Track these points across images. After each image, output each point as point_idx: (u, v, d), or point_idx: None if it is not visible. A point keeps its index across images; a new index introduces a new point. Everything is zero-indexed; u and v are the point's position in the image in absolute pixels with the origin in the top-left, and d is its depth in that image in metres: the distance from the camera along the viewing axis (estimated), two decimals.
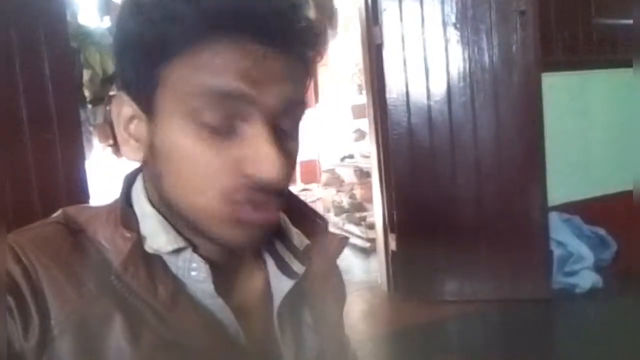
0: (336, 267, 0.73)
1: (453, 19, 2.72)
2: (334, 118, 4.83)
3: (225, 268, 0.59)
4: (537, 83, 2.74)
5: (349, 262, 4.02)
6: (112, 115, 0.56)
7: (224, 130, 0.50)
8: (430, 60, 2.81)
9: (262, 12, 0.49)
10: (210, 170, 0.50)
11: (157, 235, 0.55)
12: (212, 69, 0.49)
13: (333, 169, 4.83)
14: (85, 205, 0.61)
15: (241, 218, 0.52)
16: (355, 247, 4.10)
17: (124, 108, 0.55)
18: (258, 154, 0.50)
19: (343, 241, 0.68)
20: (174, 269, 0.55)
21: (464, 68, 2.76)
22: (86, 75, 4.07)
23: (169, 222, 0.56)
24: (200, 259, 0.55)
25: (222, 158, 0.50)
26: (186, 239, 0.55)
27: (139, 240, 0.54)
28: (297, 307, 0.63)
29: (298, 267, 0.61)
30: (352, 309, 3.07)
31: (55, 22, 2.08)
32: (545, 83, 2.78)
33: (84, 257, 0.53)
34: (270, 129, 0.51)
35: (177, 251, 0.55)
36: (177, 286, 0.55)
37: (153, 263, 0.54)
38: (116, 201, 0.59)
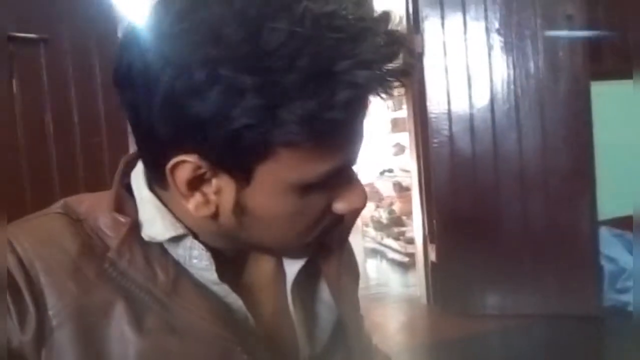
0: (348, 243, 0.71)
1: (497, 25, 2.68)
2: (373, 132, 4.81)
3: (231, 252, 0.57)
4: (585, 91, 2.66)
5: (387, 276, 3.95)
6: (167, 172, 0.49)
7: (321, 187, 0.50)
8: (472, 68, 2.76)
9: (386, 82, 0.46)
10: (308, 220, 0.52)
11: (154, 222, 0.53)
12: (329, 150, 0.47)
13: (372, 183, 4.80)
14: (87, 194, 0.59)
15: (314, 244, 0.56)
16: (393, 261, 4.03)
17: (191, 170, 0.48)
18: (348, 192, 0.52)
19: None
20: (174, 256, 0.53)
21: (508, 75, 2.70)
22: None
23: (168, 209, 0.54)
24: (201, 246, 0.53)
25: (318, 206, 0.52)
26: (186, 226, 0.53)
27: (135, 225, 0.53)
28: (311, 284, 0.62)
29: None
30: (390, 320, 3.00)
31: (106, 32, 2.17)
32: (594, 92, 2.69)
33: (84, 246, 0.51)
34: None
35: (177, 239, 0.53)
36: (179, 272, 0.53)
37: (152, 248, 0.53)
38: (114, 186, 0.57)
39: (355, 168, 0.53)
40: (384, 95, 0.47)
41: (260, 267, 0.61)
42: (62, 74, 2.08)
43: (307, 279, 0.61)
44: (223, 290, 0.54)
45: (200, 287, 0.53)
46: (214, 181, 0.49)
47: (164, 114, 0.45)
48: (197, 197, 0.50)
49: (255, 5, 0.42)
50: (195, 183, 0.49)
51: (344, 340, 0.64)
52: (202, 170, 0.47)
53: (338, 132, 0.46)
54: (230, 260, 0.56)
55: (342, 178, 0.51)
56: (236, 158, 0.46)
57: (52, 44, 2.04)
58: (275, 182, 0.48)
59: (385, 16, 0.46)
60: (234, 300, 0.54)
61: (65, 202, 0.56)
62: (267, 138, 0.44)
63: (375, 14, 0.46)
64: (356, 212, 0.55)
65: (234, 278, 0.56)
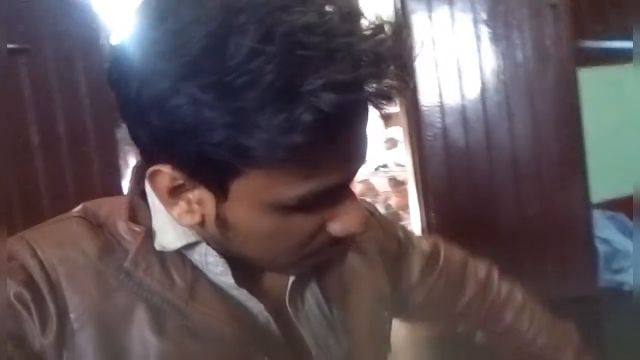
0: (366, 236, 0.68)
1: (484, 16, 2.72)
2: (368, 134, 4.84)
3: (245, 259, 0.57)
4: (572, 77, 2.71)
5: None
6: (150, 181, 0.49)
7: (308, 208, 0.48)
8: (462, 60, 2.80)
9: (382, 96, 0.43)
10: (297, 239, 0.50)
11: (166, 231, 0.53)
12: (310, 173, 0.44)
13: (367, 179, 4.83)
14: (107, 198, 0.59)
15: (310, 264, 0.54)
16: None
17: (171, 179, 0.47)
18: (343, 214, 0.49)
19: (368, 214, 0.68)
20: (192, 260, 0.54)
21: (497, 65, 2.74)
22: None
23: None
24: (215, 253, 0.53)
25: (307, 227, 0.49)
26: (198, 233, 0.53)
27: (149, 233, 0.53)
28: (316, 287, 0.60)
29: None
30: None
31: (89, 40, 2.14)
32: (581, 77, 2.74)
33: (104, 250, 0.52)
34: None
35: (190, 246, 0.53)
36: (198, 276, 0.53)
37: (168, 255, 0.53)
38: (128, 192, 0.58)
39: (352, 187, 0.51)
40: (360, 118, 0.45)
41: (275, 274, 0.60)
42: (45, 83, 2.03)
43: (311, 283, 0.60)
44: (242, 294, 0.54)
45: (219, 292, 0.53)
46: (196, 191, 0.48)
47: (138, 123, 0.45)
48: (182, 205, 0.49)
49: (223, 18, 0.40)
50: (177, 192, 0.48)
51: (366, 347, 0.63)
52: (179, 182, 0.47)
53: (309, 155, 0.42)
54: (247, 266, 0.55)
55: (335, 199, 0.48)
56: (208, 173, 0.45)
57: (34, 54, 2.00)
58: (252, 200, 0.46)
59: (378, 30, 0.42)
60: (255, 304, 0.54)
61: (85, 207, 0.56)
62: (234, 155, 0.42)
63: (368, 28, 0.42)
64: (353, 237, 0.51)
65: (252, 284, 0.56)
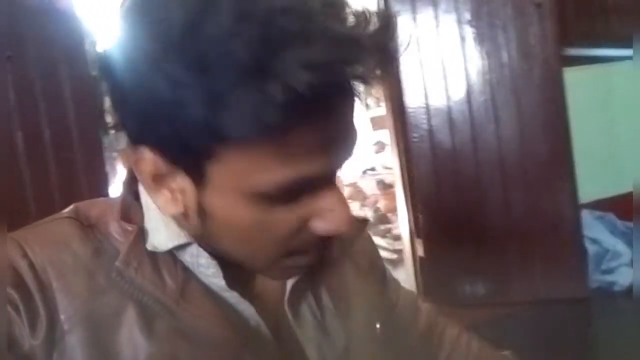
0: (358, 251, 0.69)
1: (468, 17, 2.71)
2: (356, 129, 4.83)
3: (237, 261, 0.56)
4: (558, 77, 2.69)
5: None
6: (134, 165, 0.49)
7: (288, 200, 0.47)
8: (447, 61, 2.78)
9: (361, 75, 0.43)
10: (277, 234, 0.49)
11: (158, 231, 0.53)
12: (288, 158, 0.43)
13: (355, 183, 4.82)
14: (98, 199, 0.60)
15: (296, 265, 0.53)
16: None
17: (152, 163, 0.47)
18: (328, 211, 0.48)
19: (360, 226, 0.67)
20: (184, 261, 0.53)
21: (482, 66, 2.73)
22: (107, 102, 4.18)
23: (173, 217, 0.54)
24: (206, 254, 0.52)
25: (288, 221, 0.48)
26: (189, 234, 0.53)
27: (141, 233, 0.53)
28: (314, 293, 0.60)
29: None
30: None
31: (76, 50, 2.14)
32: (567, 77, 2.73)
33: (95, 251, 0.52)
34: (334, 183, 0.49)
35: (182, 247, 0.53)
36: (188, 277, 0.53)
37: (160, 255, 0.53)
38: (122, 193, 0.58)
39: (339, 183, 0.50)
40: (339, 104, 0.44)
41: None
42: (29, 90, 2.04)
43: (311, 287, 0.60)
44: (233, 297, 0.53)
45: (210, 294, 0.53)
46: (177, 179, 0.48)
47: (121, 107, 0.47)
48: (166, 193, 0.49)
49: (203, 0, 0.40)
50: (160, 179, 0.48)
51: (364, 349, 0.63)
52: (161, 167, 0.47)
53: (284, 137, 0.42)
54: (239, 268, 0.54)
55: (320, 195, 0.48)
56: (187, 156, 0.45)
57: (18, 62, 2.01)
58: (230, 187, 0.46)
59: (360, 17, 0.42)
60: (246, 307, 0.54)
61: (76, 207, 0.56)
62: (208, 138, 0.42)
63: (350, 14, 0.42)
64: (338, 235, 0.50)
65: (243, 285, 0.56)
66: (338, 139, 0.46)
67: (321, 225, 0.48)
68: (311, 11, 0.40)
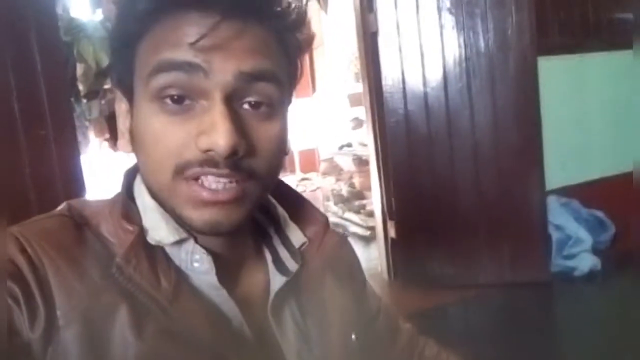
0: (340, 260, 0.71)
1: (448, 4, 2.70)
2: (332, 107, 4.81)
3: (228, 260, 0.59)
4: (533, 67, 2.73)
5: None
6: (116, 111, 0.59)
7: (185, 107, 0.51)
8: (425, 47, 2.79)
9: None
10: (168, 145, 0.51)
11: (159, 228, 0.55)
12: (165, 42, 0.51)
13: (332, 158, 4.83)
14: (89, 199, 0.62)
15: (201, 197, 0.52)
16: (355, 235, 4.10)
17: (120, 104, 0.58)
18: (210, 126, 0.50)
19: (343, 238, 0.70)
20: (177, 261, 0.56)
21: (460, 54, 2.74)
22: (80, 69, 4.05)
23: (170, 214, 0.56)
24: (202, 250, 0.55)
25: (180, 133, 0.51)
26: (187, 231, 0.56)
27: (141, 232, 0.55)
28: (296, 301, 0.63)
29: (291, 265, 0.62)
30: None
31: (46, 15, 2.05)
32: (541, 66, 2.77)
33: (88, 250, 0.53)
34: (226, 102, 0.51)
35: (179, 242, 0.55)
36: (180, 278, 0.55)
37: (156, 255, 0.55)
38: (118, 195, 0.60)
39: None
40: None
41: (255, 278, 0.62)
42: None
43: (293, 297, 0.62)
44: (221, 296, 0.55)
45: (198, 294, 0.55)
46: (128, 117, 0.57)
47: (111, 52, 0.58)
48: (126, 135, 0.57)
49: None
50: (126, 120, 0.57)
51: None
52: (121, 101, 0.57)
53: (172, 17, 0.51)
54: (228, 269, 0.58)
55: (207, 113, 0.51)
56: (123, 78, 0.55)
57: None
58: (141, 97, 0.53)
59: None
60: (231, 307, 0.56)
61: (70, 205, 0.58)
62: (128, 43, 0.54)
63: None
64: (220, 156, 0.51)
65: (231, 286, 0.57)
66: (212, 40, 0.50)
67: (204, 140, 0.50)
68: None
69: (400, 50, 2.81)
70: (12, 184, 1.97)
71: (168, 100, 0.51)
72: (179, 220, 0.55)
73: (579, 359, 2.16)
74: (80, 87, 4.16)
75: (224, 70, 0.50)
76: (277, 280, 0.61)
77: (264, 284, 0.62)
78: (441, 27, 2.73)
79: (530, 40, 2.68)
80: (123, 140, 0.58)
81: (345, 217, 4.42)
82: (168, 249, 0.56)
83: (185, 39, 0.50)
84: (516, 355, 2.13)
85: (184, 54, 0.50)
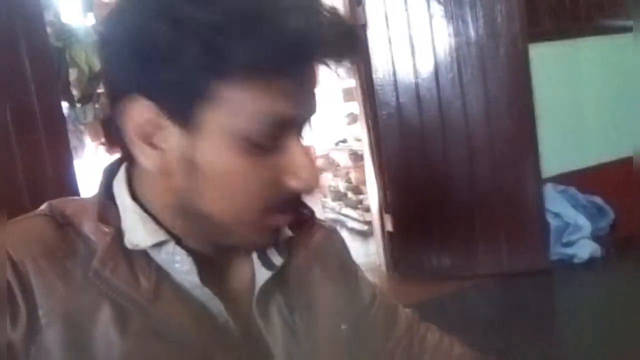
0: (328, 251, 0.70)
1: None
2: (326, 102, 4.78)
3: (212, 257, 0.58)
4: (524, 54, 2.71)
5: (349, 245, 4.01)
6: (120, 117, 0.51)
7: (268, 148, 0.51)
8: (415, 38, 2.77)
9: (329, 41, 0.48)
10: (257, 186, 0.52)
11: (136, 230, 0.54)
12: (274, 95, 0.49)
13: (327, 154, 4.81)
14: (72, 197, 0.60)
15: (273, 225, 0.55)
16: (353, 230, 4.09)
17: (141, 113, 0.50)
18: (298, 166, 0.52)
19: (330, 230, 0.70)
20: (158, 260, 0.55)
21: (450, 43, 2.73)
22: (73, 74, 4.03)
23: (150, 215, 0.55)
24: (183, 251, 0.54)
25: (266, 174, 0.52)
26: (168, 232, 0.55)
27: (118, 234, 0.54)
28: (283, 294, 0.62)
29: (276, 259, 0.61)
30: None
31: (33, 21, 2.05)
32: (533, 53, 2.75)
33: (70, 250, 0.53)
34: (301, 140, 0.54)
35: (159, 245, 0.54)
36: (162, 277, 0.54)
37: (135, 256, 0.54)
38: (96, 194, 0.58)
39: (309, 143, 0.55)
40: (317, 52, 0.49)
41: (240, 274, 0.62)
42: None
43: (278, 291, 0.62)
44: (205, 294, 0.55)
45: (182, 292, 0.55)
46: (164, 132, 0.50)
47: (120, 55, 0.49)
48: (148, 150, 0.51)
49: None
50: (146, 131, 0.51)
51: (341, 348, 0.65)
52: (152, 116, 0.50)
53: (276, 76, 0.48)
54: (212, 266, 0.57)
55: (292, 148, 0.52)
56: (180, 99, 0.48)
57: None
58: (219, 132, 0.49)
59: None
60: (216, 305, 0.55)
61: (51, 205, 0.57)
62: (209, 76, 0.47)
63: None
64: (307, 193, 0.55)
65: (216, 283, 0.57)
66: (309, 91, 0.52)
67: (293, 182, 0.52)
68: None
69: (389, 42, 2.80)
70: (5, 188, 1.97)
71: (258, 143, 0.51)
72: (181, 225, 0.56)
73: (580, 347, 2.14)
74: (74, 91, 4.16)
75: (308, 114, 0.53)
76: (262, 275, 0.60)
77: (250, 279, 0.62)
78: (430, 17, 2.71)
79: (521, 27, 2.66)
80: (142, 155, 0.52)
81: (343, 212, 4.41)
82: (148, 250, 0.55)
83: (294, 94, 0.50)
84: (517, 345, 2.12)
85: (293, 110, 0.51)
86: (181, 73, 0.47)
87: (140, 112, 0.50)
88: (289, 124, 0.51)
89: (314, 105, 0.53)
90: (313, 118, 0.54)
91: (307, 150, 0.53)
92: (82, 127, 4.52)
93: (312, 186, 0.53)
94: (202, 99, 0.48)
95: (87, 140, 4.64)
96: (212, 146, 0.50)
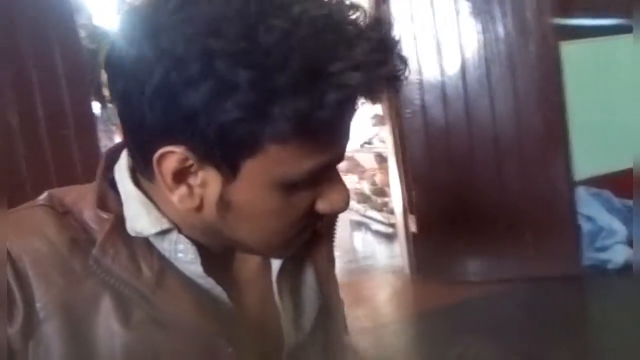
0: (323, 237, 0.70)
1: None
2: None
3: (217, 247, 0.56)
4: (555, 52, 2.64)
5: (373, 247, 3.97)
6: (156, 160, 0.48)
7: (307, 186, 0.50)
8: (441, 35, 2.72)
9: (379, 83, 0.46)
10: (292, 218, 0.52)
11: (139, 217, 0.53)
12: (321, 147, 0.48)
13: (352, 156, 4.77)
14: (73, 186, 0.59)
15: (298, 243, 0.56)
16: (377, 232, 4.04)
17: (175, 162, 0.48)
18: (333, 193, 0.52)
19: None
20: (160, 249, 0.53)
21: (477, 40, 2.67)
22: (105, 75, 4.13)
23: (154, 203, 0.53)
24: (187, 240, 0.53)
25: (302, 205, 0.51)
26: (171, 220, 0.53)
27: (118, 221, 0.52)
28: (298, 270, 0.62)
29: None
30: (376, 292, 3.02)
31: (65, 25, 2.12)
32: (565, 51, 2.66)
33: (69, 239, 0.51)
34: None
35: (162, 233, 0.53)
36: (164, 266, 0.53)
37: (136, 243, 0.52)
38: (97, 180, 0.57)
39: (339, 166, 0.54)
40: (372, 99, 0.48)
41: (247, 260, 0.61)
42: (22, 67, 2.02)
43: (296, 266, 0.62)
44: (208, 283, 0.54)
45: (186, 281, 0.53)
46: (200, 174, 0.49)
47: (155, 104, 0.46)
48: (182, 189, 0.49)
49: (254, 3, 0.43)
50: (181, 175, 0.49)
51: (326, 324, 0.65)
52: (189, 163, 0.48)
53: (326, 131, 0.46)
54: (217, 254, 0.56)
55: (326, 177, 0.51)
56: (224, 152, 0.46)
57: (10, 37, 1.98)
58: (261, 178, 0.48)
59: (378, 22, 0.47)
60: (220, 293, 0.54)
61: (51, 194, 0.56)
62: (256, 133, 0.45)
63: (368, 20, 0.46)
64: (340, 213, 0.55)
65: (221, 272, 0.56)
66: (349, 128, 0.51)
67: (326, 207, 0.52)
68: (343, 17, 0.45)
69: (415, 39, 2.75)
70: (36, 179, 2.03)
71: (298, 186, 0.50)
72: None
73: (613, 355, 2.04)
74: (106, 92, 4.25)
75: (344, 146, 0.52)
76: (276, 262, 0.60)
77: (259, 264, 0.61)
78: (457, 13, 2.66)
79: (551, 24, 2.58)
80: (176, 195, 0.50)
81: (367, 214, 4.36)
82: (151, 238, 0.53)
83: (338, 142, 0.50)
84: (546, 353, 2.04)
85: (335, 156, 0.50)
86: (227, 130, 0.45)
87: (178, 159, 0.48)
88: (331, 165, 0.51)
89: (350, 134, 0.52)
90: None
91: (337, 174, 0.53)
92: (113, 127, 4.62)
93: (344, 209, 0.53)
94: (247, 153, 0.47)
95: (117, 139, 4.74)
96: (251, 189, 0.49)
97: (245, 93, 0.43)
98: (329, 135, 0.47)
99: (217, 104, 0.43)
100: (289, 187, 0.49)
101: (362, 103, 0.50)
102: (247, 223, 0.51)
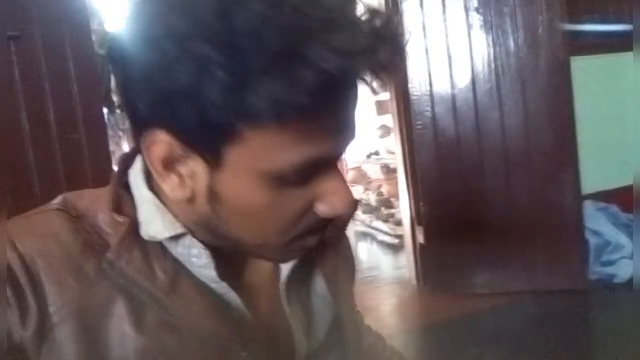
0: (345, 237, 0.71)
1: (475, 3, 2.65)
2: (359, 115, 4.78)
3: (230, 251, 0.56)
4: (565, 66, 2.65)
5: (378, 258, 3.97)
6: (145, 146, 0.49)
7: (299, 183, 0.49)
8: (452, 48, 2.74)
9: (370, 67, 0.44)
10: (286, 216, 0.50)
11: (153, 221, 0.53)
12: (305, 139, 0.46)
13: (359, 167, 4.79)
14: (86, 190, 0.59)
15: (304, 247, 0.54)
16: (383, 243, 4.04)
17: (167, 145, 0.48)
18: (332, 194, 0.50)
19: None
20: (174, 253, 0.53)
21: (488, 54, 2.69)
22: (114, 81, 4.14)
23: (168, 207, 0.54)
24: (200, 245, 0.53)
25: (298, 203, 0.50)
26: (185, 225, 0.53)
27: (133, 225, 0.53)
28: (307, 279, 0.62)
29: None
30: (382, 303, 3.02)
31: (80, 30, 2.13)
32: (575, 66, 2.68)
33: (83, 243, 0.52)
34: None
35: (176, 237, 0.53)
36: (178, 270, 0.53)
37: (150, 248, 0.53)
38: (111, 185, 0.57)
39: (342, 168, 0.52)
40: (366, 83, 0.46)
41: (260, 266, 0.61)
42: (34, 71, 2.03)
43: (304, 275, 0.61)
44: (222, 288, 0.54)
45: (199, 285, 0.53)
46: (190, 163, 0.48)
47: (139, 89, 0.46)
48: (173, 178, 0.49)
49: None
50: (170, 162, 0.49)
51: (340, 336, 0.64)
52: (176, 150, 0.47)
53: (310, 120, 0.44)
54: (230, 259, 0.56)
55: (325, 177, 0.49)
56: (205, 137, 0.46)
57: (23, 41, 2.00)
58: (245, 168, 0.47)
59: (374, 13, 0.45)
60: (233, 298, 0.54)
61: (65, 198, 0.56)
62: (233, 118, 0.44)
63: (364, 10, 0.45)
64: (344, 215, 0.52)
65: (234, 277, 0.56)
66: (347, 123, 0.48)
67: (325, 209, 0.50)
68: (331, 3, 0.43)
69: (426, 51, 2.77)
70: (46, 182, 2.03)
71: (291, 180, 0.48)
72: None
73: None
74: (115, 98, 4.26)
75: (347, 145, 0.51)
76: (285, 267, 0.59)
77: (270, 269, 0.61)
78: (469, 27, 2.68)
79: (562, 39, 2.60)
80: (167, 184, 0.50)
81: (373, 225, 4.36)
82: (164, 242, 0.53)
83: (331, 135, 0.47)
84: None
85: (330, 151, 0.48)
86: (205, 114, 0.44)
87: (165, 146, 0.48)
88: (323, 162, 0.48)
89: (352, 133, 0.50)
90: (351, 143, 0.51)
91: (339, 175, 0.50)
92: (120, 133, 4.63)
93: (347, 212, 0.51)
94: (227, 139, 0.45)
95: (125, 145, 4.75)
96: (236, 180, 0.48)
97: (219, 76, 0.42)
98: (313, 125, 0.45)
99: (192, 87, 0.43)
100: (278, 182, 0.47)
101: (357, 100, 0.48)
102: (238, 217, 0.50)
